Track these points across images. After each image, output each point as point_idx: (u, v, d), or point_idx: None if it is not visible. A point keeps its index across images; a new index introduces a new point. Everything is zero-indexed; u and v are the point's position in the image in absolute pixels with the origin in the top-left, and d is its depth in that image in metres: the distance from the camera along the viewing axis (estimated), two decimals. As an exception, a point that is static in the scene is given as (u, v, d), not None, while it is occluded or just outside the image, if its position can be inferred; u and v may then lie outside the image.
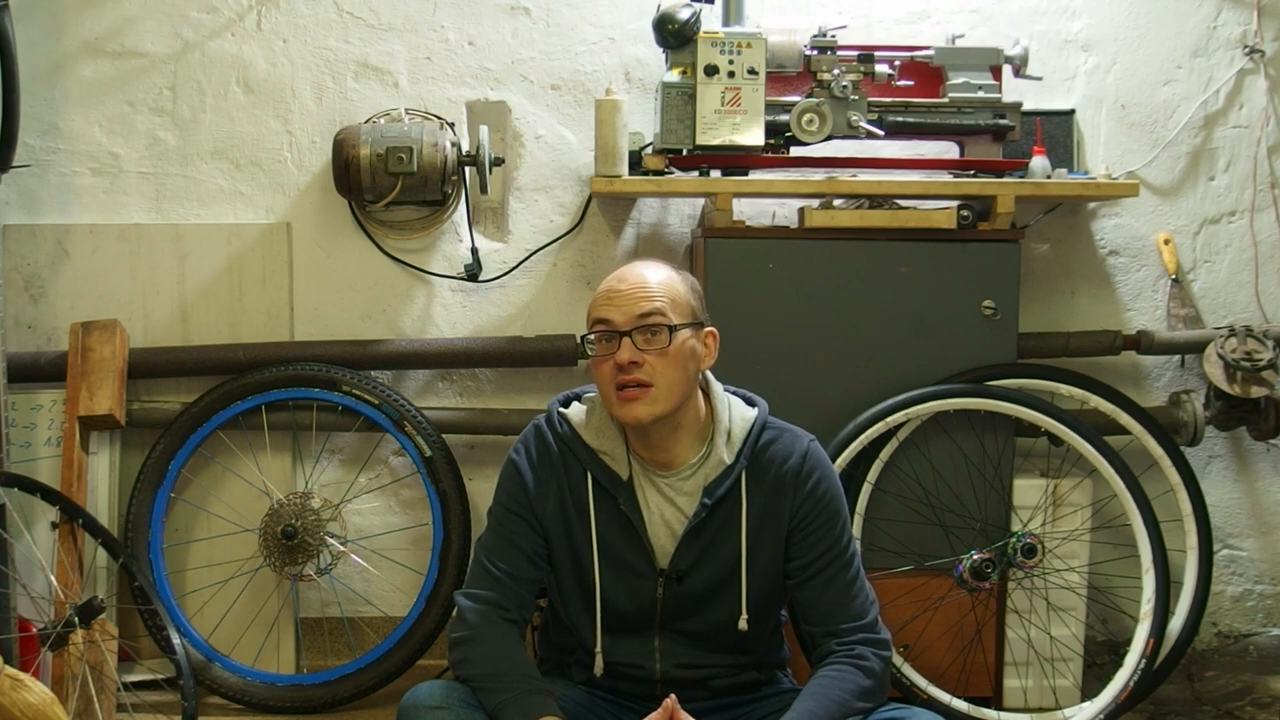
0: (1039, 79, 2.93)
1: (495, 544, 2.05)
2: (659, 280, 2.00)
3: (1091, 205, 3.10)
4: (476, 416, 3.03)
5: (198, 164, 3.06)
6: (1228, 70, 3.11)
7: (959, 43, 2.87)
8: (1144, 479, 2.73)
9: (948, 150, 3.04)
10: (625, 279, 2.01)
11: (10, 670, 2.17)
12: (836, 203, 2.83)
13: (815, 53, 2.80)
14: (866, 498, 2.73)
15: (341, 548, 2.92)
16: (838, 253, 2.74)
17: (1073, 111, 3.09)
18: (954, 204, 2.78)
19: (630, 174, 2.81)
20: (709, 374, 2.08)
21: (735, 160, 2.78)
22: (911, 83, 2.85)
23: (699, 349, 2.02)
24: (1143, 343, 3.02)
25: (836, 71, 2.78)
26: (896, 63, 2.84)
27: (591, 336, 1.99)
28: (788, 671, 2.21)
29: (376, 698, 2.85)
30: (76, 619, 2.47)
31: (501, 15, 3.06)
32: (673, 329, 1.96)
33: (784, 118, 2.78)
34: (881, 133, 2.79)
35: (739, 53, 2.71)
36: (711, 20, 2.80)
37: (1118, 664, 2.71)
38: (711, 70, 2.71)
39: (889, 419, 2.68)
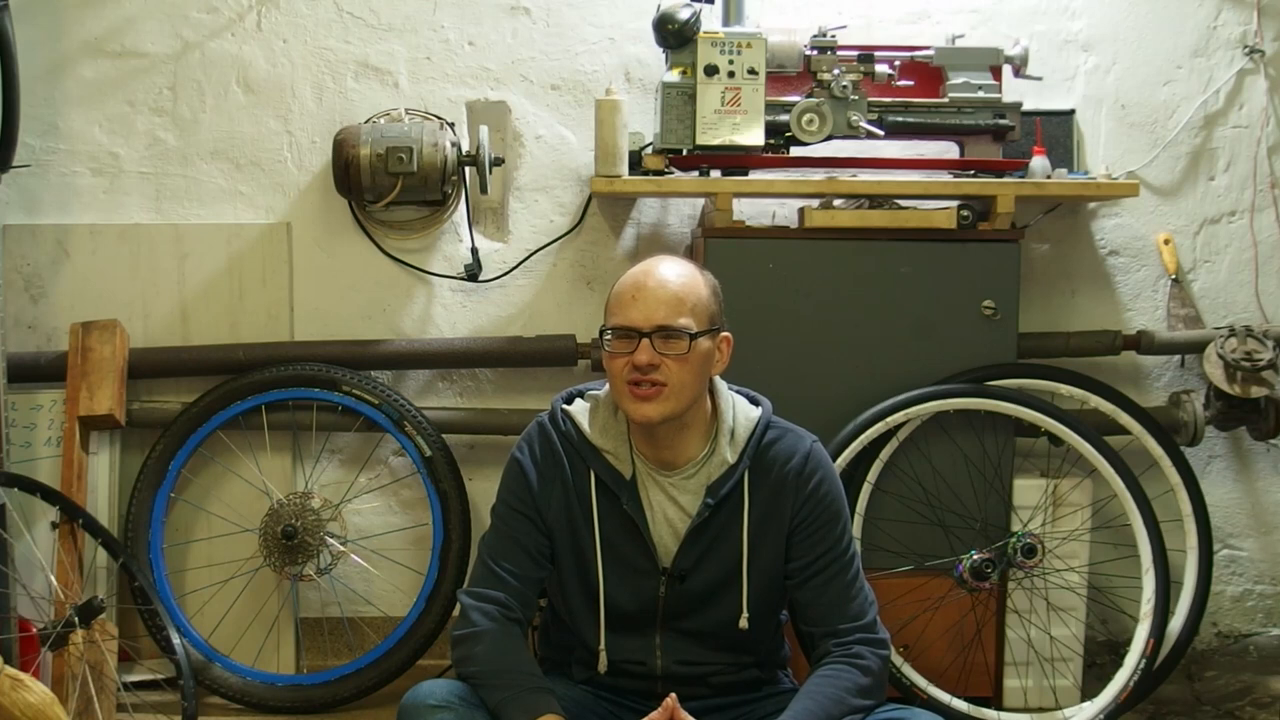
0: (1039, 79, 2.93)
1: (498, 543, 2.05)
2: (684, 284, 1.98)
3: (1091, 205, 3.10)
4: (476, 416, 3.03)
5: (198, 164, 3.06)
6: (1228, 70, 3.11)
7: (959, 43, 2.87)
8: (1144, 479, 2.73)
9: (948, 150, 3.04)
10: (650, 278, 1.97)
11: (10, 670, 2.17)
12: (836, 203, 2.83)
13: (815, 53, 2.80)
14: (866, 498, 2.73)
15: (341, 548, 2.92)
16: (838, 253, 2.74)
17: (1073, 111, 3.09)
18: (954, 204, 2.78)
19: (630, 174, 2.81)
20: (714, 372, 2.08)
21: (735, 160, 2.78)
22: (911, 83, 2.85)
23: (714, 354, 2.02)
24: (1143, 343, 3.02)
25: (836, 71, 2.78)
26: (896, 63, 2.83)
27: (609, 334, 1.98)
28: (788, 671, 2.21)
29: (376, 698, 2.84)
30: (76, 619, 2.47)
31: (501, 15, 3.06)
32: (693, 336, 1.95)
33: (784, 118, 2.78)
34: (881, 133, 2.79)
35: (739, 53, 2.71)
36: (711, 20, 2.80)
37: (1118, 664, 2.71)
38: (711, 70, 2.71)
39: (889, 419, 2.68)
